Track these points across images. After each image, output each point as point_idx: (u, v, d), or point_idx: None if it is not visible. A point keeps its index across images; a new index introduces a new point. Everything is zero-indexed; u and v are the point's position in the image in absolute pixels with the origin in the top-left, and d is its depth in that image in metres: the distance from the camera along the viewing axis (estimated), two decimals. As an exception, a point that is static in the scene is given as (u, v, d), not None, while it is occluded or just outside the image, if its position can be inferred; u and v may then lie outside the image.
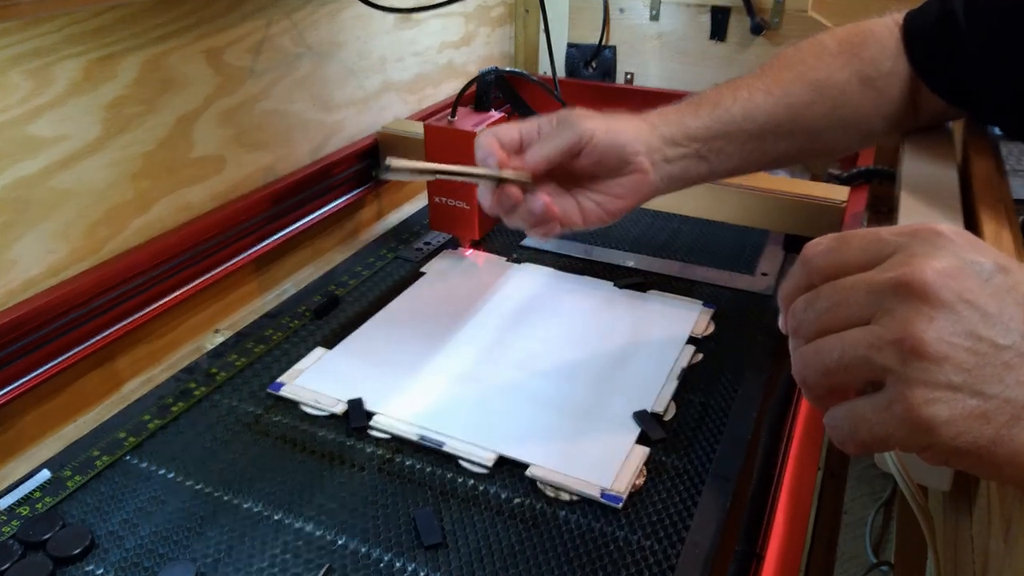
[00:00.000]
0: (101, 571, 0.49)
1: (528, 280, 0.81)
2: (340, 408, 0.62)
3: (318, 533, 0.52)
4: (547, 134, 0.57)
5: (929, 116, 0.66)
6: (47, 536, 0.51)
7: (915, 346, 0.30)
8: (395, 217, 1.00)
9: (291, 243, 0.84)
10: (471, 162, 0.60)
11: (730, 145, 0.61)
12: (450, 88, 1.13)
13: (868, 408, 0.32)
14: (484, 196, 0.57)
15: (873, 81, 0.62)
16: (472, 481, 0.56)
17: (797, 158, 0.66)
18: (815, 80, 0.61)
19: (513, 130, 0.58)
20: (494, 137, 0.56)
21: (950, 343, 0.30)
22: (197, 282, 0.72)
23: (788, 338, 0.36)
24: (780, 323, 0.37)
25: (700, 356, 0.69)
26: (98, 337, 0.64)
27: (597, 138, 0.56)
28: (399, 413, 0.62)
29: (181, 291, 0.71)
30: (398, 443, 0.60)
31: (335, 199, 0.89)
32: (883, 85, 0.62)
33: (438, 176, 0.56)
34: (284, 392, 0.64)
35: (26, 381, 0.59)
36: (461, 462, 0.57)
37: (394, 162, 0.54)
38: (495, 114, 0.82)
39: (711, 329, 0.73)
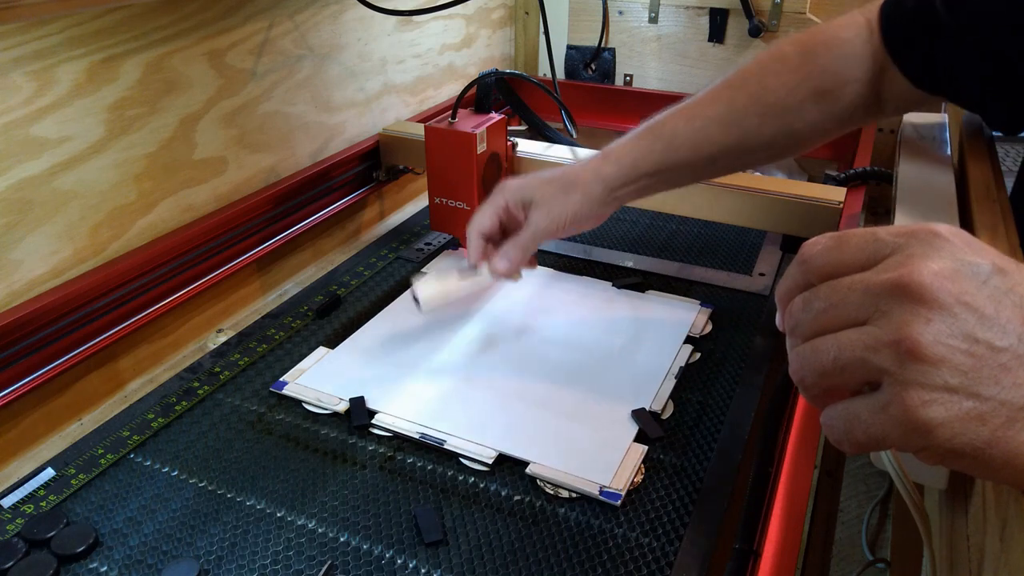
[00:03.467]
0: (105, 568, 0.50)
1: (528, 280, 0.81)
2: (342, 407, 0.63)
3: (320, 530, 0.53)
4: (521, 231, 0.64)
5: (895, 106, 0.65)
6: (51, 534, 0.51)
7: (911, 348, 0.30)
8: (396, 218, 1.00)
9: (293, 244, 0.85)
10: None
11: (681, 175, 0.66)
12: (451, 90, 1.14)
13: (864, 409, 0.32)
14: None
15: (830, 92, 0.62)
16: (473, 479, 0.57)
17: (752, 166, 0.70)
18: (769, 104, 0.63)
19: (492, 218, 0.65)
20: (481, 238, 0.65)
21: (946, 345, 0.30)
22: (200, 282, 0.73)
23: (785, 337, 0.37)
24: (777, 322, 0.37)
25: (698, 355, 0.70)
26: (102, 337, 0.65)
27: (564, 218, 0.63)
28: (400, 411, 0.62)
29: (184, 291, 0.71)
30: (399, 441, 0.60)
31: (336, 200, 0.90)
32: (841, 94, 0.62)
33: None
34: (287, 391, 0.65)
35: (30, 380, 0.60)
36: (462, 460, 0.58)
37: (423, 292, 0.67)
38: (495, 116, 0.82)
39: (709, 329, 0.73)
